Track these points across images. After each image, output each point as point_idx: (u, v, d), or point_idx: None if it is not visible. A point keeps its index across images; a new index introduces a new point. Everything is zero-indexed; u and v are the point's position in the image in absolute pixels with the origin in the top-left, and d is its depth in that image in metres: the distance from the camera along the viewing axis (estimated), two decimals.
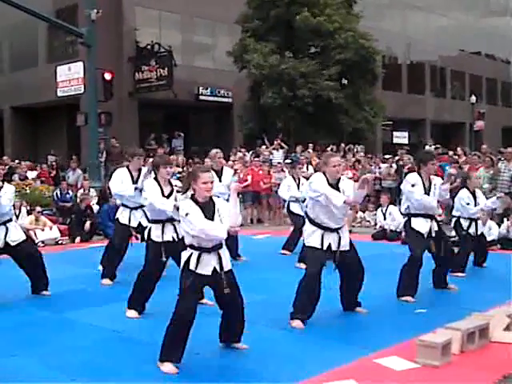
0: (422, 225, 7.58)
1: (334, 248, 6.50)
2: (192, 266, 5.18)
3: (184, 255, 5.25)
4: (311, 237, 6.58)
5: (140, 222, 8.49)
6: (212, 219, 5.17)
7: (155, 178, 7.20)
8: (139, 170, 8.53)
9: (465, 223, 9.34)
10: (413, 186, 7.57)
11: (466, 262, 9.20)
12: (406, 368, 5.05)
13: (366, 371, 5.00)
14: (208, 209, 5.21)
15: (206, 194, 5.23)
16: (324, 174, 6.55)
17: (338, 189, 6.45)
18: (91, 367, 5.22)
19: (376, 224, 14.14)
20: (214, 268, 5.25)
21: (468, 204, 9.24)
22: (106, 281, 8.66)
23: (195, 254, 5.19)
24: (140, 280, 6.89)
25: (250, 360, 5.32)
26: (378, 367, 5.09)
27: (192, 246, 5.21)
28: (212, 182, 5.29)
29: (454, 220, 9.57)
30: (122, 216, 8.67)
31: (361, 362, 5.21)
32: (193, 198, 5.27)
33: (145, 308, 6.88)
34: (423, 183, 7.59)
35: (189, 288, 5.15)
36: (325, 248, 6.48)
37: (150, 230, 7.03)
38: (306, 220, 6.73)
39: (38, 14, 17.92)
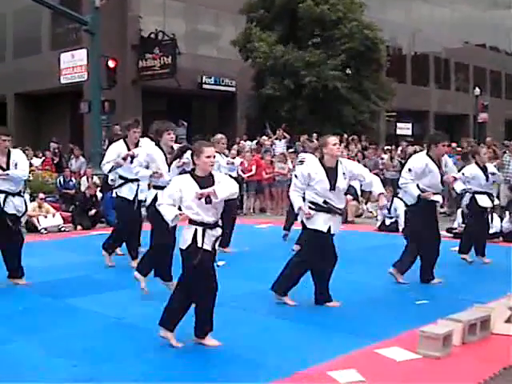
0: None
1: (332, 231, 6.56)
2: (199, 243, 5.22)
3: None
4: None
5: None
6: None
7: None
8: (136, 145, 8.36)
9: (480, 197, 9.13)
10: (409, 170, 7.59)
11: (472, 243, 9.22)
12: (407, 358, 5.05)
13: (367, 361, 5.00)
14: (207, 182, 5.23)
15: (209, 169, 5.30)
16: (320, 159, 6.58)
17: (336, 174, 6.47)
18: (92, 353, 5.23)
19: (377, 215, 14.11)
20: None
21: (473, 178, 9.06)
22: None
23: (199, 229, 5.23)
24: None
25: (251, 349, 5.32)
26: (379, 357, 5.09)
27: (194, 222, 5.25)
28: (215, 157, 5.39)
29: (468, 196, 9.41)
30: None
31: (362, 352, 5.21)
32: (192, 172, 5.33)
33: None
34: (434, 162, 7.59)
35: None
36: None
37: None
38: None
39: (41, 0, 17.86)
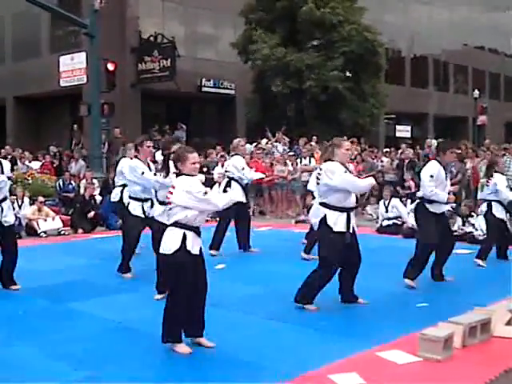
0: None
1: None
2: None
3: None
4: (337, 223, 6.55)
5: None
6: None
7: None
8: (153, 162, 8.27)
9: (497, 208, 9.29)
10: (431, 176, 7.60)
11: (490, 250, 9.31)
12: (408, 361, 5.05)
13: (368, 364, 5.00)
14: None
15: (195, 174, 5.35)
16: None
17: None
18: (93, 357, 5.22)
19: (378, 217, 14.12)
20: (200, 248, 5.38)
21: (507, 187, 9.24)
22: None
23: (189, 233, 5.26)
24: None
25: (252, 352, 5.32)
26: (380, 360, 5.09)
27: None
28: (199, 162, 5.46)
29: (485, 205, 9.50)
30: (133, 208, 8.41)
31: (363, 355, 5.21)
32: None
33: None
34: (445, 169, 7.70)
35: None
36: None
37: None
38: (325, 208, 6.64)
39: (40, 3, 17.88)
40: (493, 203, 9.30)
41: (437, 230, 7.63)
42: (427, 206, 7.63)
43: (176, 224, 5.24)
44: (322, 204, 6.65)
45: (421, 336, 5.19)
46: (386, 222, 13.27)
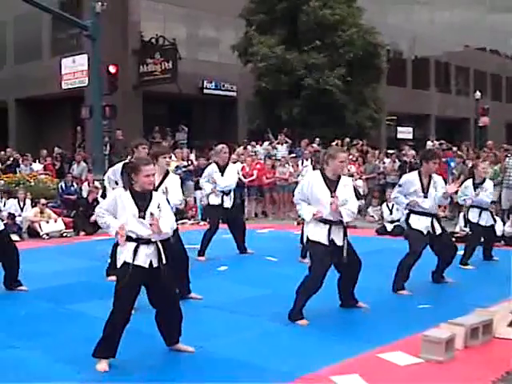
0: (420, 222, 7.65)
1: (338, 243, 6.39)
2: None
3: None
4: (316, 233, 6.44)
5: None
6: (144, 211, 5.08)
7: None
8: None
9: (473, 214, 9.50)
10: (399, 186, 7.81)
11: (472, 254, 9.35)
12: (410, 363, 5.05)
13: (370, 366, 5.00)
14: (143, 199, 5.12)
15: (148, 188, 5.17)
16: (322, 170, 6.52)
17: (336, 186, 6.38)
18: (95, 359, 5.21)
19: (380, 219, 14.14)
20: (151, 261, 5.17)
21: (466, 195, 9.41)
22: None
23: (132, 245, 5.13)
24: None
25: (254, 354, 5.32)
26: (382, 362, 5.09)
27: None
28: (154, 175, 5.21)
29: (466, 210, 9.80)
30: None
31: (365, 357, 5.21)
32: (131, 188, 5.18)
33: None
34: (421, 182, 7.65)
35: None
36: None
37: None
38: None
39: (42, 5, 17.88)
40: (470, 209, 9.62)
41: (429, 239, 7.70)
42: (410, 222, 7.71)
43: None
44: None
45: (422, 337, 5.19)
46: (389, 226, 13.24)
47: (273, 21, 26.05)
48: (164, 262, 5.15)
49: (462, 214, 12.39)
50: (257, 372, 4.91)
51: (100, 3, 17.50)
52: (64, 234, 13.61)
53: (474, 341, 5.45)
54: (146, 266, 5.11)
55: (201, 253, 9.93)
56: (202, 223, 15.11)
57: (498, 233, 11.31)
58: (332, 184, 6.39)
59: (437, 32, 39.59)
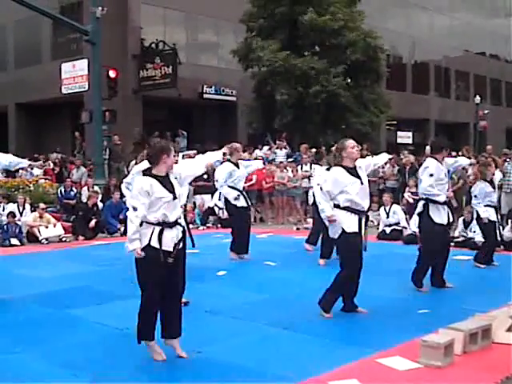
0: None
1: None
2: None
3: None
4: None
5: None
6: (174, 193, 5.28)
7: None
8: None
9: (485, 212, 9.46)
10: (431, 175, 7.67)
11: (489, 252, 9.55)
12: (409, 368, 5.04)
13: (369, 371, 5.00)
14: (167, 182, 5.31)
15: (171, 169, 5.47)
16: (340, 165, 6.61)
17: (357, 175, 6.58)
18: (94, 364, 5.22)
19: (379, 224, 14.12)
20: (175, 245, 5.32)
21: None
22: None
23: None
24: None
25: (253, 359, 5.32)
26: (381, 367, 5.08)
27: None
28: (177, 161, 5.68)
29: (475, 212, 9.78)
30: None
31: (363, 362, 5.20)
32: (151, 174, 5.32)
33: None
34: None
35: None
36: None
37: None
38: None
39: (42, 10, 17.92)
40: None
41: (438, 238, 7.67)
42: (431, 215, 7.66)
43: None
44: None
45: (421, 342, 5.18)
46: (387, 229, 13.26)
47: (273, 26, 26.07)
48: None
49: (461, 219, 12.38)
50: (256, 377, 4.90)
51: (100, 8, 17.52)
52: (63, 239, 13.59)
53: (473, 346, 5.44)
54: (171, 249, 5.25)
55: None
56: (201, 228, 15.11)
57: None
58: (354, 172, 6.59)
59: (436, 37, 39.71)
